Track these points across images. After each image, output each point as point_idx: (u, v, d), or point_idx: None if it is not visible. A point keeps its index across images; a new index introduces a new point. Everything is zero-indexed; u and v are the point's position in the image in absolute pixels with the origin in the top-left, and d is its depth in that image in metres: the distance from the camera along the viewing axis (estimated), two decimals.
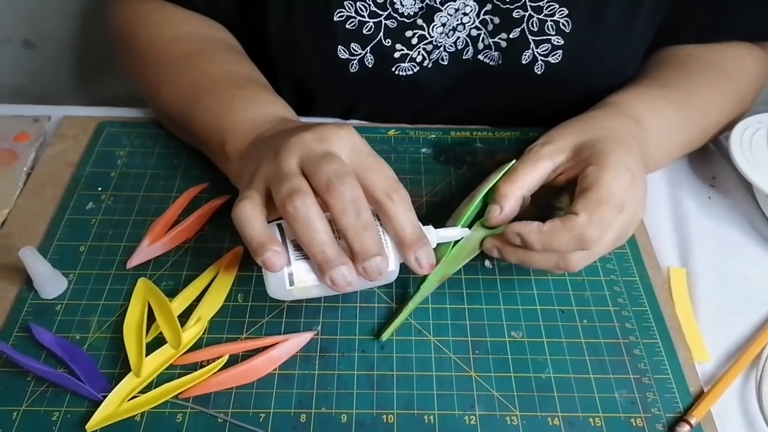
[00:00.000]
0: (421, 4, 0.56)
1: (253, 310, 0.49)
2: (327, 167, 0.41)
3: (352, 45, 0.58)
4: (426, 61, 0.60)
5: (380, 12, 0.56)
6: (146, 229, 0.53)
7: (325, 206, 0.41)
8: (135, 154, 0.61)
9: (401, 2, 0.56)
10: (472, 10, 0.57)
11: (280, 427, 0.43)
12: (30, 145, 0.61)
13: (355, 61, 0.59)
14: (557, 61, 0.58)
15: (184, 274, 0.51)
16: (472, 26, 0.58)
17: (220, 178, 0.54)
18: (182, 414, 0.44)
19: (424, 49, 0.59)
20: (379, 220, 0.43)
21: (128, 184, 0.58)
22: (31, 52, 0.98)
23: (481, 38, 0.59)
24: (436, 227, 0.46)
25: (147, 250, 0.52)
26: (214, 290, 0.49)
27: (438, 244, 0.48)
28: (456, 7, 0.57)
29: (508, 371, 0.46)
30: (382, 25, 0.57)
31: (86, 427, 0.42)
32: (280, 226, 0.43)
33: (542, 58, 0.58)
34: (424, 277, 0.48)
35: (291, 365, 0.46)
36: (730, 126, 0.60)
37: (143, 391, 0.44)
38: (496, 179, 0.50)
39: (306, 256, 0.42)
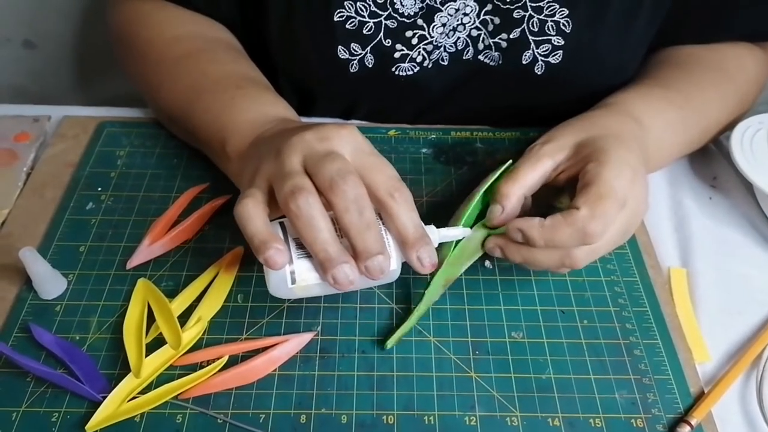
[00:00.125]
0: (421, 5, 0.56)
1: (253, 311, 0.49)
2: (330, 166, 0.41)
3: (352, 45, 0.58)
4: (426, 62, 0.60)
5: (380, 12, 0.56)
6: (146, 229, 0.53)
7: (327, 205, 0.41)
8: (135, 154, 0.60)
9: (401, 2, 0.56)
10: (472, 11, 0.57)
11: (280, 428, 0.43)
12: (30, 145, 0.61)
13: (355, 61, 0.59)
14: (557, 61, 0.58)
15: (184, 274, 0.51)
16: (472, 26, 0.58)
17: (220, 178, 0.54)
18: (182, 415, 0.44)
19: (424, 49, 0.59)
20: (381, 219, 0.43)
21: (128, 184, 0.58)
22: (32, 52, 0.98)
23: (481, 38, 0.59)
24: (437, 227, 0.46)
25: (147, 251, 0.52)
26: (214, 291, 0.49)
27: (440, 247, 0.48)
28: (456, 8, 0.57)
29: (508, 372, 0.46)
30: (382, 25, 0.57)
31: (86, 427, 0.42)
32: (282, 225, 0.43)
33: (542, 58, 0.58)
34: (429, 283, 0.48)
35: (291, 366, 0.46)
36: (730, 126, 0.60)
37: (143, 391, 0.44)
38: (493, 179, 0.50)
39: (308, 255, 0.41)
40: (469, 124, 0.65)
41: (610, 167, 0.45)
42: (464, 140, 0.63)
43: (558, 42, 0.57)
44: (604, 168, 0.45)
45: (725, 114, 0.61)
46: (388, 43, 0.58)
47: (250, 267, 0.51)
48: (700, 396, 0.46)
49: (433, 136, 0.63)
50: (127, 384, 0.44)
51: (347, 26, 0.57)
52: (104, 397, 0.43)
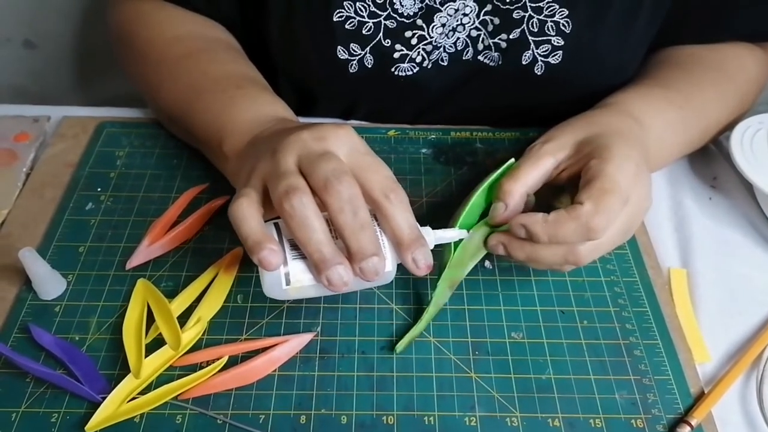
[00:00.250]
0: (420, 5, 0.56)
1: (252, 311, 0.49)
2: (325, 166, 0.40)
3: (352, 45, 0.58)
4: (425, 62, 0.60)
5: (380, 12, 0.56)
6: (146, 229, 0.53)
7: (322, 205, 0.41)
8: (135, 154, 0.60)
9: (401, 3, 0.56)
10: (472, 11, 0.57)
11: (280, 429, 0.43)
12: (30, 146, 0.61)
13: (355, 62, 0.59)
14: (557, 61, 0.58)
15: (184, 274, 0.51)
16: (471, 27, 0.58)
17: (219, 178, 0.54)
18: (182, 415, 0.43)
19: (423, 49, 0.59)
20: (376, 220, 0.43)
21: (128, 184, 0.58)
22: (32, 52, 0.98)
23: (480, 39, 0.59)
24: (436, 228, 0.46)
25: (146, 251, 0.52)
26: (214, 291, 0.49)
27: (443, 250, 0.48)
28: (456, 8, 0.56)
29: (508, 372, 0.46)
30: (382, 26, 0.57)
31: (85, 428, 0.42)
32: (277, 225, 0.43)
33: (542, 58, 0.58)
34: (434, 287, 0.48)
35: (291, 366, 0.46)
36: (730, 126, 0.60)
37: (143, 392, 0.44)
38: (492, 178, 0.49)
39: (303, 256, 0.41)
40: (469, 124, 0.64)
41: (613, 163, 0.45)
42: (464, 140, 0.63)
43: (558, 42, 0.57)
44: (607, 164, 0.44)
45: (725, 114, 0.61)
46: (388, 43, 0.58)
47: (250, 267, 0.51)
48: (701, 396, 0.45)
49: (433, 136, 0.63)
50: (127, 384, 0.44)
51: (347, 26, 0.57)
52: (104, 398, 0.43)
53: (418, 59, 0.59)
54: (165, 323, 0.47)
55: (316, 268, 0.40)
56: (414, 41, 0.58)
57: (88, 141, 0.61)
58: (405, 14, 0.57)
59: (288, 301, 0.49)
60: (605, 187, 0.43)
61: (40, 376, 0.45)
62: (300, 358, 0.47)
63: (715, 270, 0.54)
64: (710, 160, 0.63)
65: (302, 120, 0.54)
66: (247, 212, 0.41)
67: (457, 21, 0.57)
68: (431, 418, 0.44)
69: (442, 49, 0.59)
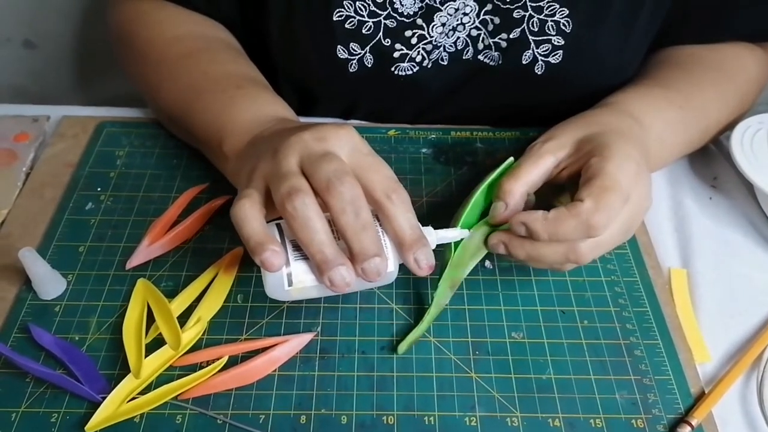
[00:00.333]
0: (420, 4, 0.56)
1: (252, 311, 0.49)
2: (326, 167, 0.40)
3: (352, 45, 0.58)
4: (426, 61, 0.60)
5: (380, 12, 0.56)
6: (146, 229, 0.53)
7: (324, 206, 0.41)
8: (135, 154, 0.60)
9: (401, 2, 0.56)
10: (472, 10, 0.57)
11: (280, 429, 0.43)
12: (29, 145, 0.61)
13: (355, 61, 0.59)
14: (557, 61, 0.58)
15: (184, 274, 0.51)
16: (472, 26, 0.58)
17: (219, 178, 0.54)
18: (182, 415, 0.43)
19: (423, 49, 0.59)
20: (378, 220, 0.43)
21: (128, 184, 0.58)
22: (32, 52, 0.98)
23: (481, 38, 0.59)
24: (436, 228, 0.46)
25: (146, 251, 0.52)
26: (214, 291, 0.49)
27: (444, 250, 0.48)
28: (456, 7, 0.56)
29: (508, 372, 0.46)
30: (382, 25, 0.57)
31: (85, 428, 0.42)
32: (279, 226, 0.43)
33: (542, 58, 0.58)
34: (435, 286, 0.48)
35: (291, 366, 0.46)
36: (730, 126, 0.60)
37: (143, 392, 0.44)
38: (492, 178, 0.49)
39: (305, 257, 0.41)
40: (469, 123, 0.64)
41: (613, 161, 0.44)
42: (464, 140, 0.63)
43: (558, 42, 0.57)
44: (608, 162, 0.44)
45: (725, 114, 0.61)
46: (388, 42, 0.58)
47: (250, 267, 0.51)
48: (701, 396, 0.45)
49: (433, 136, 0.63)
50: (127, 384, 0.44)
51: (346, 26, 0.57)
52: (104, 398, 0.43)
53: (418, 59, 0.59)
54: (165, 323, 0.47)
55: (319, 269, 0.40)
56: (414, 41, 0.58)
57: (88, 141, 0.61)
58: (405, 14, 0.57)
59: (289, 301, 0.49)
60: (605, 185, 0.43)
61: (40, 376, 0.44)
62: (300, 358, 0.47)
63: (715, 270, 0.54)
64: (710, 160, 0.63)
65: (303, 120, 0.54)
66: (250, 213, 0.41)
67: (458, 20, 0.57)
68: (431, 418, 0.44)
69: (442, 48, 0.59)
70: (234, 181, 0.50)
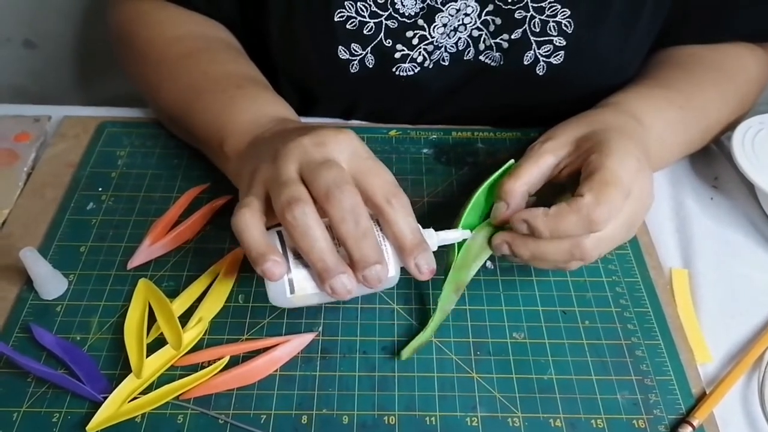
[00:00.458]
0: (422, 5, 0.56)
1: (254, 311, 0.49)
2: (326, 174, 0.40)
3: (353, 45, 0.58)
4: (427, 62, 0.60)
5: (381, 12, 0.56)
6: (147, 229, 0.53)
7: (324, 213, 0.41)
8: (136, 154, 0.60)
9: (402, 2, 0.56)
10: (473, 11, 0.57)
11: (281, 429, 0.43)
12: (30, 145, 0.61)
13: (356, 62, 0.59)
14: (559, 61, 0.58)
15: (185, 274, 0.51)
16: (473, 27, 0.58)
17: (221, 178, 0.54)
18: (183, 415, 0.43)
19: (424, 49, 0.59)
20: (378, 225, 0.43)
21: (129, 184, 0.58)
22: (32, 52, 0.98)
23: (482, 39, 0.59)
24: (438, 229, 0.46)
25: (148, 251, 0.52)
26: (215, 291, 0.49)
27: (447, 252, 0.48)
28: (457, 8, 0.56)
29: (509, 372, 0.46)
30: (383, 26, 0.57)
31: (87, 428, 0.42)
32: (280, 234, 0.43)
33: (544, 58, 0.58)
34: (437, 286, 0.48)
35: (292, 366, 0.46)
36: (731, 126, 0.60)
37: (144, 392, 0.44)
38: (492, 179, 0.49)
39: (306, 264, 0.41)
40: (470, 124, 0.64)
41: (613, 157, 0.44)
42: (465, 140, 0.63)
43: (559, 42, 0.57)
44: (608, 158, 0.44)
45: (726, 114, 0.61)
46: (389, 43, 0.58)
47: (251, 267, 0.51)
48: (702, 397, 0.45)
49: (434, 136, 0.63)
50: (128, 384, 0.44)
51: (347, 26, 0.57)
52: (105, 398, 0.43)
53: (419, 59, 0.59)
54: (166, 323, 0.47)
55: (320, 277, 0.40)
56: (415, 41, 0.58)
57: (88, 141, 0.61)
58: (406, 14, 0.57)
59: (292, 308, 0.49)
60: (606, 179, 0.43)
61: (41, 375, 0.44)
62: (301, 358, 0.47)
63: (716, 270, 0.54)
64: (711, 161, 0.63)
65: (303, 120, 0.54)
66: (250, 223, 0.41)
67: (459, 21, 0.57)
68: (433, 419, 0.44)
69: (443, 49, 0.59)
70: (235, 181, 0.50)
